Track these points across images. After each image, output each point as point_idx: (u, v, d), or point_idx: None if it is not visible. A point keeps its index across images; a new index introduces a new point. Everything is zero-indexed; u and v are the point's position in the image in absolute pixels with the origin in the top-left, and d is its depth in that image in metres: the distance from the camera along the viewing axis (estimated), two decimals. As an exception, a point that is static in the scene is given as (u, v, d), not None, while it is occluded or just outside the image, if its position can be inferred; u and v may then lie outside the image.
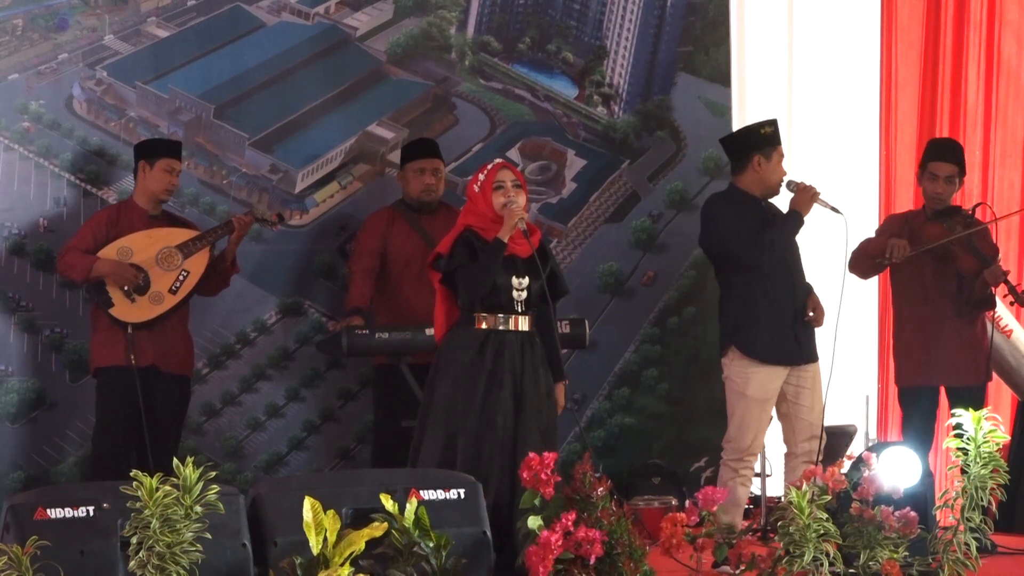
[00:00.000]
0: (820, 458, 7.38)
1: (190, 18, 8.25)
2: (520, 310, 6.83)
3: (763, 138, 7.38)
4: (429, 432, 6.81)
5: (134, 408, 7.42)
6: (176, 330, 7.58)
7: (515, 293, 6.81)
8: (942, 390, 8.03)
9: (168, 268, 7.47)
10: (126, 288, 7.41)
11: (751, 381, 7.35)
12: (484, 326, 6.81)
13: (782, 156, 7.47)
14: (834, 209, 7.42)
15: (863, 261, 7.90)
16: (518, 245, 6.82)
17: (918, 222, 7.96)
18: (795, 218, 7.40)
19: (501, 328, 6.80)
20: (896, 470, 6.59)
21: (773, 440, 8.34)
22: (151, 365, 7.49)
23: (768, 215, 7.43)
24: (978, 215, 8.01)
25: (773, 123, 7.49)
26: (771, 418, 7.48)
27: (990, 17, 9.42)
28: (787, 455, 7.51)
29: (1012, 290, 7.83)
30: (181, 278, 7.49)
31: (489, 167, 6.90)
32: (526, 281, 6.82)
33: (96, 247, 7.47)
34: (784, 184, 7.46)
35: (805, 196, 7.38)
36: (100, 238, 7.50)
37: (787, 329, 7.39)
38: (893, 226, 8.06)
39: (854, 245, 7.85)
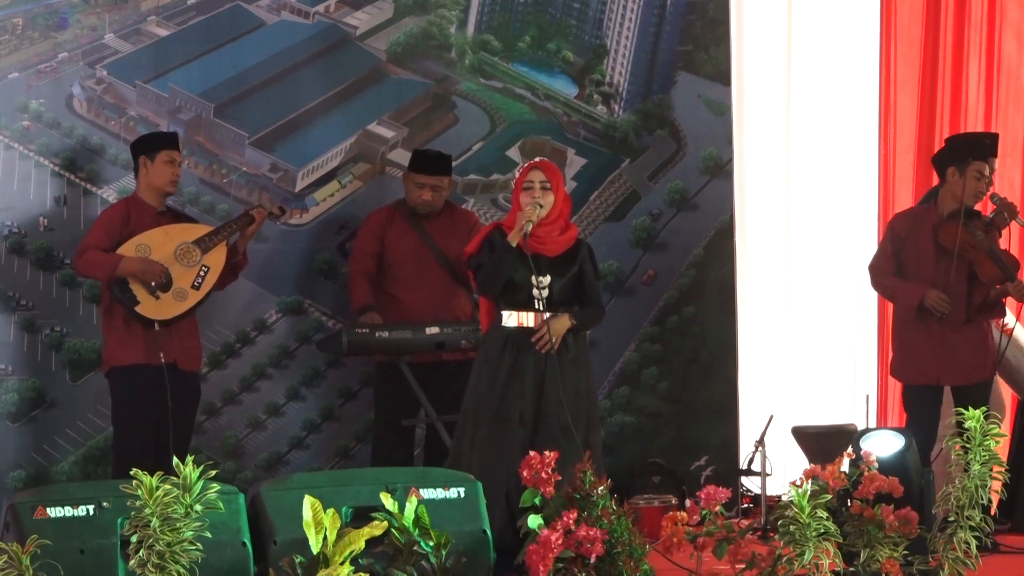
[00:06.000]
0: None
1: (190, 17, 8.25)
2: (541, 308, 6.86)
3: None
4: (458, 429, 6.97)
5: (154, 407, 7.40)
6: (189, 327, 7.57)
7: (535, 291, 6.86)
8: (946, 388, 8.01)
9: (188, 264, 7.46)
10: (152, 284, 7.39)
11: None
12: (508, 324, 6.88)
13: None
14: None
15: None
16: (543, 244, 6.86)
17: (930, 221, 7.87)
18: None
19: (525, 325, 6.85)
20: (882, 445, 7.01)
21: (773, 440, 8.35)
22: (172, 363, 7.49)
23: None
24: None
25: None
26: None
27: (990, 17, 9.42)
28: None
29: None
30: (202, 273, 7.48)
31: (524, 165, 7.02)
32: (547, 280, 6.86)
33: (112, 245, 7.45)
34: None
35: None
36: (115, 236, 7.48)
37: None
38: (900, 227, 7.95)
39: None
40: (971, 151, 7.87)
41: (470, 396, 6.93)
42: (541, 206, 6.87)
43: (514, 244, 6.80)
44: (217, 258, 7.51)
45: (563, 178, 7.13)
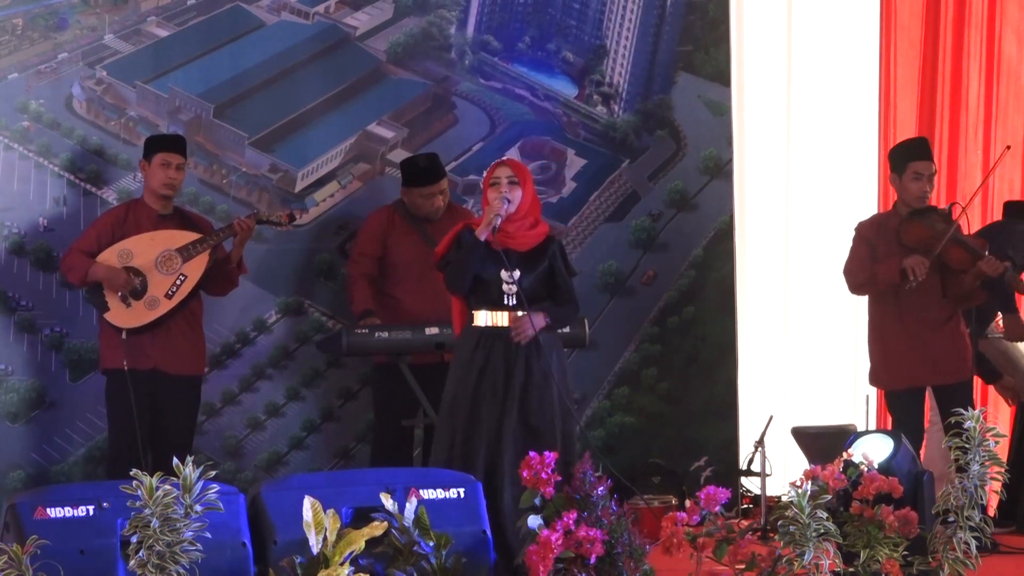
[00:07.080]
0: None
1: (190, 17, 8.25)
2: (511, 304, 6.81)
3: None
4: (437, 430, 6.90)
5: (140, 410, 7.39)
6: (181, 331, 7.53)
7: (505, 287, 6.80)
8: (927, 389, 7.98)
9: (167, 272, 7.43)
10: (121, 293, 7.38)
11: None
12: (479, 323, 6.83)
13: None
14: None
15: (870, 287, 7.84)
16: (513, 239, 6.81)
17: (893, 224, 7.85)
18: None
19: (496, 324, 6.80)
20: (872, 450, 6.83)
21: (773, 440, 8.36)
22: (155, 368, 7.47)
23: None
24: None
25: None
26: None
27: (990, 17, 9.43)
28: None
29: (1017, 281, 7.75)
30: (178, 282, 7.44)
31: (495, 163, 6.94)
32: (517, 274, 6.80)
33: (100, 248, 7.43)
34: None
35: None
36: (104, 239, 7.47)
37: None
38: (868, 233, 7.89)
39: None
40: (906, 155, 7.88)
41: (445, 398, 6.88)
42: (509, 201, 6.81)
43: (482, 238, 6.73)
44: (197, 267, 7.47)
45: (531, 177, 7.04)
